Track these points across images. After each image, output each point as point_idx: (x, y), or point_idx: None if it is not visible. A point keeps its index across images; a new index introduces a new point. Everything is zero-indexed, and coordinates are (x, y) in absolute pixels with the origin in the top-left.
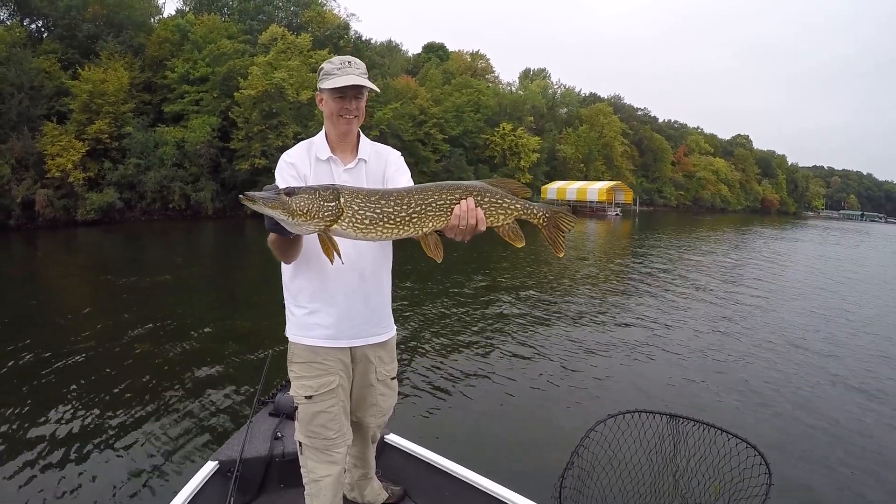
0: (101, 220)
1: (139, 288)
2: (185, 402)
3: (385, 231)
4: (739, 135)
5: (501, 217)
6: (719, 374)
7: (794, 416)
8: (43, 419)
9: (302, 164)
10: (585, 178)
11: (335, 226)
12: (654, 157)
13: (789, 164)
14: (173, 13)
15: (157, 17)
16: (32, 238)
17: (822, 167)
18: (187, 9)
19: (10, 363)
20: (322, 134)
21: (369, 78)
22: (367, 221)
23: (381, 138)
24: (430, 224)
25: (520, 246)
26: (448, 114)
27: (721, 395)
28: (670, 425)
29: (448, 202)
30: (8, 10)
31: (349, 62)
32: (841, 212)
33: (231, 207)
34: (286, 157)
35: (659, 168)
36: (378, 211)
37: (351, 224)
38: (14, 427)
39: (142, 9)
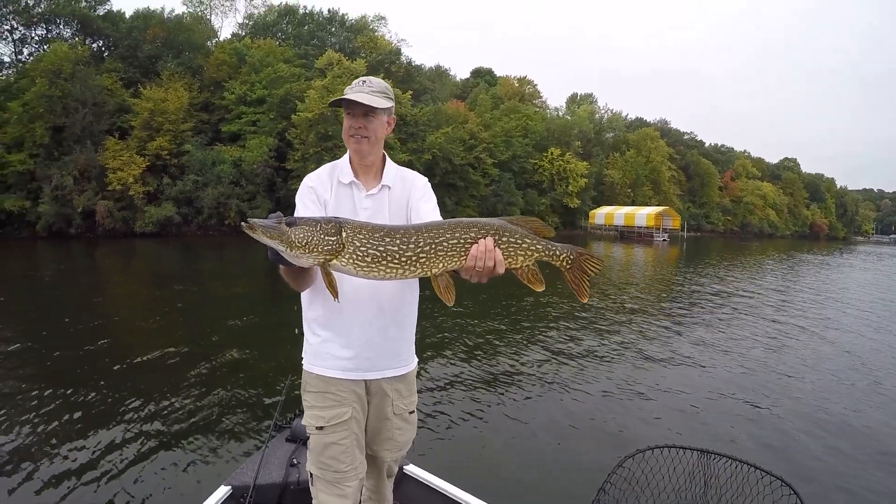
0: (158, 233)
1: (186, 300)
2: (204, 420)
3: (388, 271)
4: (787, 158)
5: (521, 259)
6: (754, 409)
7: (830, 455)
8: (61, 426)
9: (322, 189)
10: (633, 203)
11: (335, 261)
12: (701, 182)
13: (838, 187)
14: (229, 37)
15: (214, 41)
16: (92, 246)
17: (873, 190)
18: (243, 33)
19: (34, 362)
20: (346, 156)
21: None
22: (368, 259)
23: (433, 162)
24: (442, 264)
25: (539, 289)
26: (497, 138)
27: (754, 431)
28: (701, 461)
29: (463, 242)
30: (71, 29)
31: (363, 81)
32: (892, 236)
33: None
34: (307, 181)
35: (706, 193)
36: (382, 249)
37: (351, 261)
38: (28, 436)
39: (200, 32)
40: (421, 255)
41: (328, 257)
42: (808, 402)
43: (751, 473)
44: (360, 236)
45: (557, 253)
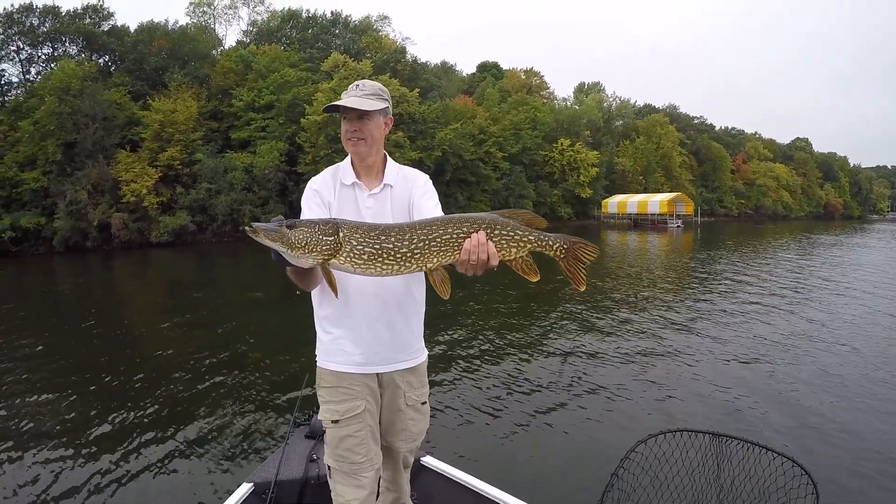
0: (173, 242)
1: (203, 306)
2: (226, 421)
3: (385, 267)
4: (799, 138)
5: (514, 250)
6: (767, 392)
7: (843, 437)
8: (86, 429)
9: (326, 191)
10: (645, 191)
11: (333, 260)
12: (712, 167)
13: (851, 165)
14: (234, 45)
15: (219, 49)
16: (108, 258)
17: (887, 167)
18: (248, 40)
19: (57, 369)
20: (349, 159)
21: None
22: (365, 257)
23: (443, 159)
24: (436, 259)
25: (534, 280)
26: (506, 132)
27: (768, 414)
28: (714, 444)
29: (455, 236)
30: (77, 46)
31: (357, 85)
32: None
33: None
34: (311, 185)
35: (718, 177)
36: (378, 247)
37: (349, 259)
38: (55, 437)
39: (205, 41)
40: (416, 251)
41: (327, 257)
42: (823, 388)
43: (763, 455)
44: (357, 235)
45: (550, 243)
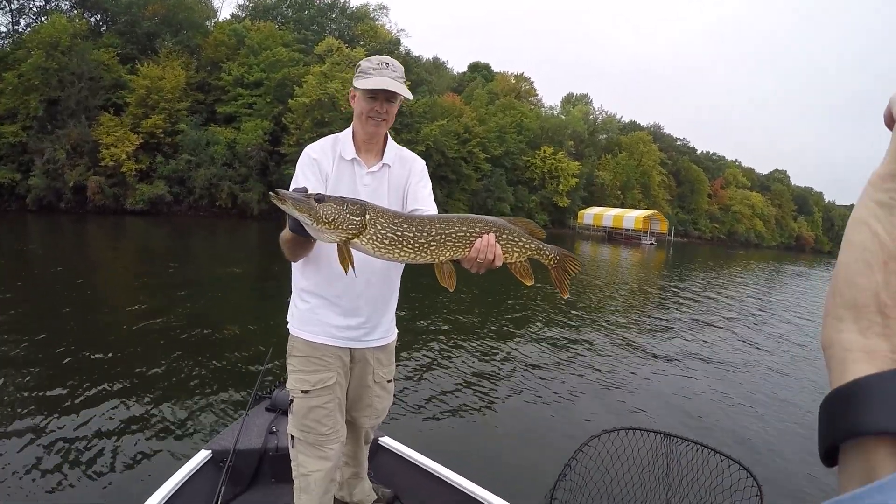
0: (148, 211)
1: (172, 278)
2: (186, 391)
3: (402, 254)
4: (777, 170)
5: (516, 255)
6: (719, 401)
7: (787, 443)
8: (44, 392)
9: (325, 162)
10: (622, 206)
11: (356, 240)
12: (690, 189)
13: (826, 201)
14: (228, 18)
15: (213, 21)
16: (81, 221)
17: None
18: (243, 15)
19: (19, 330)
20: (349, 131)
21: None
22: (386, 241)
23: (426, 154)
24: (448, 253)
25: (528, 284)
26: (491, 134)
27: (718, 420)
28: (664, 444)
29: (469, 235)
30: (70, 1)
31: (387, 63)
32: None
33: (276, 210)
34: (310, 153)
35: (695, 199)
36: (399, 234)
37: (371, 241)
38: (9, 403)
39: (199, 11)
40: (432, 242)
41: (350, 236)
42: (770, 399)
43: (711, 457)
44: (382, 220)
45: (547, 252)
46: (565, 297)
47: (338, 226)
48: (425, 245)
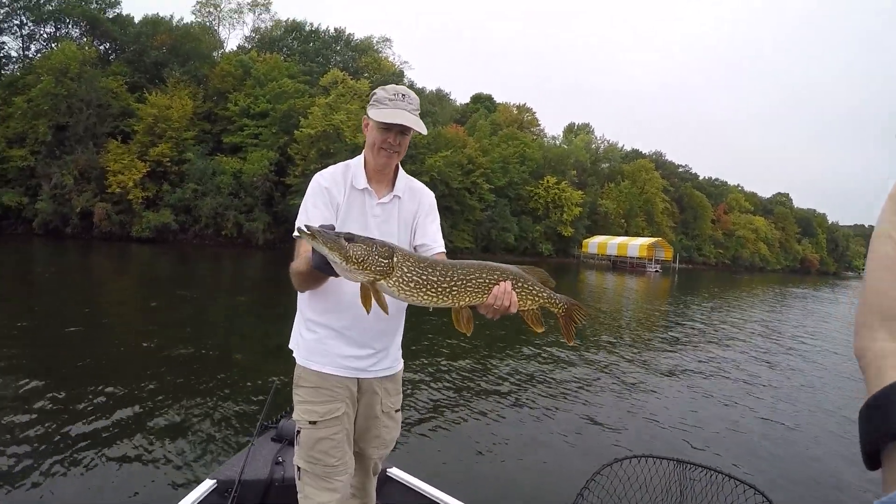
0: (154, 239)
1: (178, 305)
2: (192, 420)
3: (426, 297)
4: (780, 193)
5: (529, 303)
6: (733, 424)
7: (804, 466)
8: (46, 414)
9: (336, 191)
10: (626, 234)
11: (382, 281)
12: (694, 215)
13: (830, 222)
14: (235, 49)
15: (220, 52)
16: (87, 247)
17: (864, 226)
18: (249, 46)
19: (25, 356)
20: (360, 159)
21: (421, 118)
22: (412, 285)
23: (430, 185)
24: (467, 299)
25: (539, 331)
26: (495, 164)
27: (731, 446)
28: (677, 471)
29: (487, 281)
30: (80, 29)
31: (403, 95)
32: None
33: (281, 240)
34: (322, 181)
35: (699, 226)
36: (424, 278)
37: (397, 284)
38: (14, 429)
39: (207, 42)
40: (454, 287)
41: (377, 277)
42: (783, 423)
43: (726, 483)
44: (409, 263)
45: (556, 301)
46: (570, 345)
47: (367, 266)
48: (447, 290)
